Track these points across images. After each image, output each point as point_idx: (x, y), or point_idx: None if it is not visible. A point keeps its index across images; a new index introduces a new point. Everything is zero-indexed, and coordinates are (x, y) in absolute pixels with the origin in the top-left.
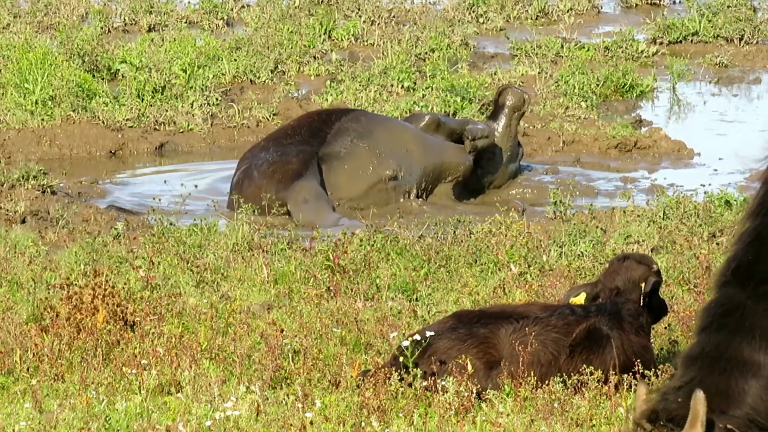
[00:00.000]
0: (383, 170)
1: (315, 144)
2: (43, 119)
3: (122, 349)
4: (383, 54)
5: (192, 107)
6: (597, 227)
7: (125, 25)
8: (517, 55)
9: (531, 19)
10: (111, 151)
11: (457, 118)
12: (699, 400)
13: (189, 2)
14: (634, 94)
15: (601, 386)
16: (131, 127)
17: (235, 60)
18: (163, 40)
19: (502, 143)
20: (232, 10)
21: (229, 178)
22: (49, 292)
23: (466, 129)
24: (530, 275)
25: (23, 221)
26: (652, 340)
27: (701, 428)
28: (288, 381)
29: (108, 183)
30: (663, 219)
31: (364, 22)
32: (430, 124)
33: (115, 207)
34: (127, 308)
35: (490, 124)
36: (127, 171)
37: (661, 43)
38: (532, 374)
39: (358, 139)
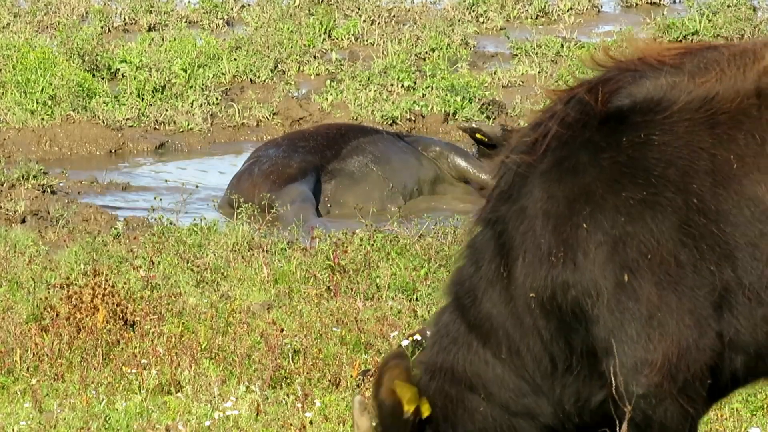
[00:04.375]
0: (390, 203)
1: (328, 155)
2: (43, 119)
3: (122, 348)
4: (383, 53)
5: (192, 107)
6: None
7: (125, 24)
8: (517, 55)
9: (531, 18)
10: (111, 151)
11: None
12: (355, 405)
13: (189, 2)
14: None
15: None
16: (131, 126)
17: (235, 59)
18: (163, 39)
19: None
20: (232, 9)
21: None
22: (49, 292)
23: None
24: None
25: (23, 221)
26: None
27: None
28: (288, 381)
29: (108, 182)
30: None
31: (364, 21)
32: (439, 155)
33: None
34: (127, 308)
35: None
36: (126, 171)
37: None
38: None
39: (374, 165)
